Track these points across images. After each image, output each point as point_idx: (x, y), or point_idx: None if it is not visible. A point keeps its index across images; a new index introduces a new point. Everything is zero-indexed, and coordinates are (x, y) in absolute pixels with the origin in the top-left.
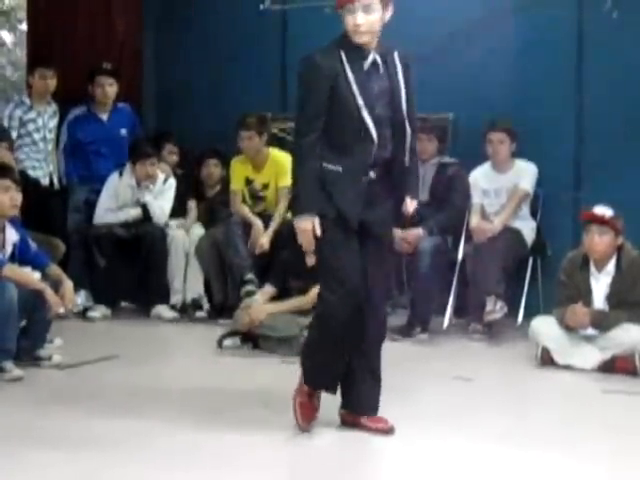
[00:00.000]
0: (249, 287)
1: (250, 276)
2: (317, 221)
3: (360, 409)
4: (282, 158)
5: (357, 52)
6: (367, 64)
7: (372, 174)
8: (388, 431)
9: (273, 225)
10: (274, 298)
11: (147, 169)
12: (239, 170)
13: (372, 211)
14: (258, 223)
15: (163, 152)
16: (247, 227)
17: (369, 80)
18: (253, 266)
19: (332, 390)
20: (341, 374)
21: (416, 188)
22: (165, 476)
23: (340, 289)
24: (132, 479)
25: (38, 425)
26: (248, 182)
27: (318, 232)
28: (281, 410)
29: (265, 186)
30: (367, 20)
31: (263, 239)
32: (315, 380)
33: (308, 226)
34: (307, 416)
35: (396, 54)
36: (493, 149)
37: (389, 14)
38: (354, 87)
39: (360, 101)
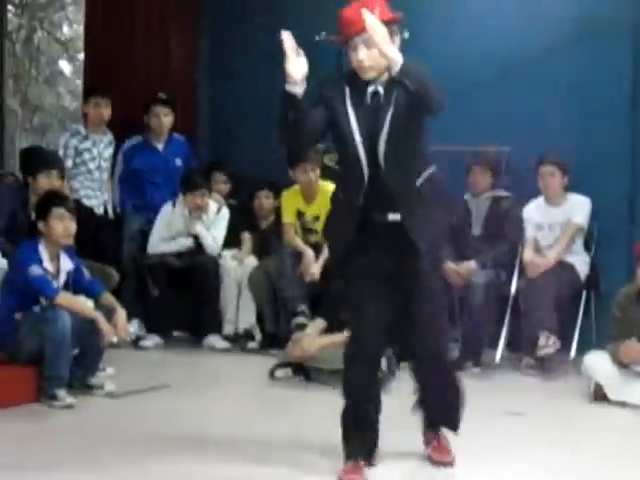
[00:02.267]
0: (301, 319)
1: (302, 308)
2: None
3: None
4: (332, 189)
5: (362, 87)
6: (368, 96)
7: (392, 217)
8: (448, 463)
9: (323, 255)
10: (325, 331)
11: (197, 200)
12: (290, 202)
13: (390, 259)
14: (309, 252)
15: (214, 182)
16: (299, 259)
17: (366, 114)
18: (305, 298)
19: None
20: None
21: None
22: None
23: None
24: None
25: (87, 455)
26: (299, 215)
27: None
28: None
29: (316, 218)
30: (369, 55)
31: (314, 268)
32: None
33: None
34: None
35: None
36: (544, 183)
37: (395, 45)
38: (352, 121)
39: (357, 137)
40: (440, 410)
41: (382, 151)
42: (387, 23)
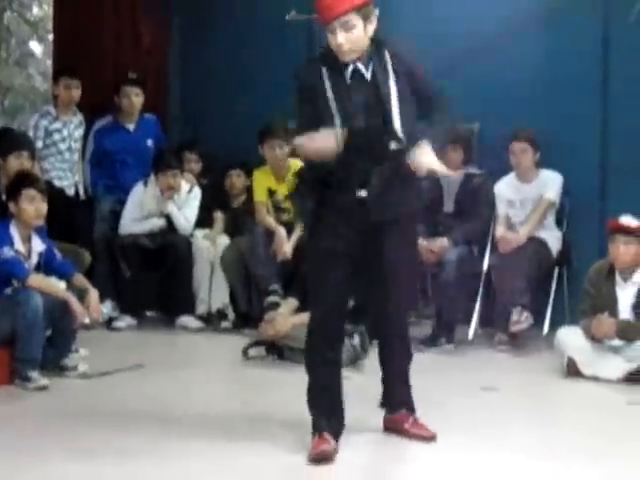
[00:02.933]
0: (273, 298)
1: (274, 287)
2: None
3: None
4: None
5: (340, 66)
6: (348, 76)
7: (362, 193)
8: (429, 438)
9: (295, 234)
10: (298, 310)
11: (169, 180)
12: (262, 181)
13: (357, 237)
14: (281, 231)
15: (186, 162)
16: (271, 238)
17: (352, 92)
18: (277, 277)
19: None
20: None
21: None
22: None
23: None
24: None
25: (62, 436)
26: (271, 193)
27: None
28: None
29: (287, 197)
30: (348, 38)
31: (286, 247)
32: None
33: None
34: (322, 444)
35: (386, 52)
36: (516, 159)
37: (372, 27)
38: (332, 104)
39: (337, 119)
40: (407, 389)
41: (397, 121)
42: (361, 7)
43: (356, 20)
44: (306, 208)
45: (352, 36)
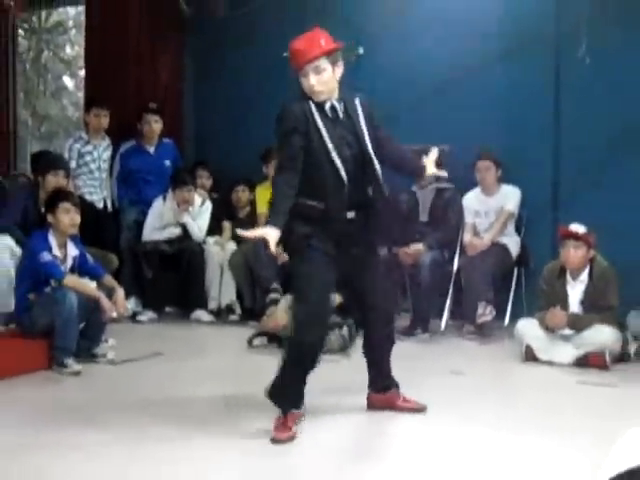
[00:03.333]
0: (274, 295)
1: (275, 285)
2: (275, 235)
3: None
4: None
5: (319, 104)
6: (328, 111)
7: (350, 214)
8: (421, 409)
9: None
10: None
11: (184, 195)
12: (264, 195)
13: (349, 250)
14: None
15: (198, 178)
16: None
17: (333, 126)
18: (277, 277)
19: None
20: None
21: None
22: (200, 454)
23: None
24: (169, 454)
25: (92, 414)
26: None
27: (272, 246)
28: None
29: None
30: (319, 80)
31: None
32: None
33: (269, 234)
34: (286, 430)
35: (357, 100)
36: (481, 176)
37: (340, 70)
38: (323, 132)
39: (329, 145)
40: (390, 370)
41: (370, 154)
42: (330, 53)
43: (325, 64)
44: (299, 234)
45: (322, 78)
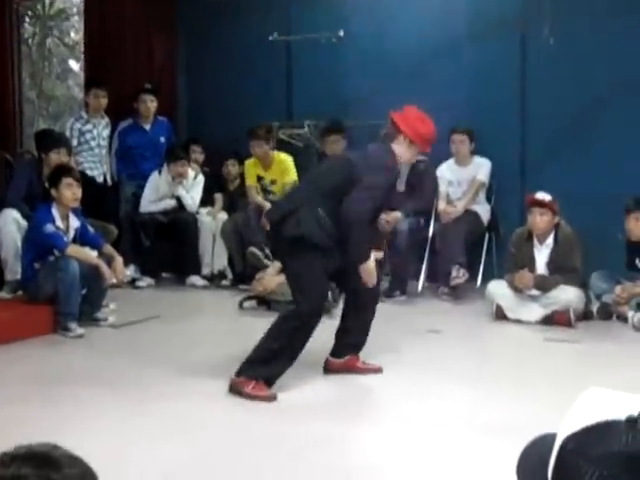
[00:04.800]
0: (264, 261)
1: (266, 251)
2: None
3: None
4: (285, 159)
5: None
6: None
7: None
8: (378, 370)
9: None
10: (282, 270)
11: (179, 169)
12: (251, 169)
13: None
14: (268, 207)
15: (192, 153)
16: (261, 213)
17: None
18: (266, 244)
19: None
20: None
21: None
22: (194, 412)
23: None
24: (167, 413)
25: (95, 373)
26: (259, 179)
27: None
28: None
29: (273, 182)
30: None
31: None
32: (272, 380)
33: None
34: (265, 389)
35: None
36: (456, 148)
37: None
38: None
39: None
40: (364, 337)
41: None
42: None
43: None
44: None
45: None
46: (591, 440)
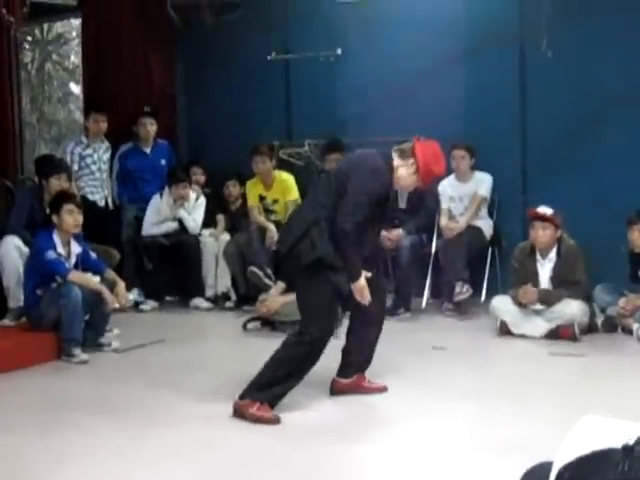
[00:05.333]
0: (265, 281)
1: (268, 272)
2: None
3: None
4: (287, 178)
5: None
6: None
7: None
8: (383, 389)
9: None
10: (285, 291)
11: (180, 191)
12: (253, 190)
13: None
14: (272, 227)
15: (193, 175)
16: (264, 233)
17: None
18: (269, 264)
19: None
20: None
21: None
22: (198, 435)
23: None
24: (171, 437)
25: (99, 399)
26: (261, 199)
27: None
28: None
29: (275, 201)
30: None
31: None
32: (276, 401)
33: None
34: (269, 411)
35: None
36: (456, 163)
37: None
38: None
39: None
40: (371, 355)
41: None
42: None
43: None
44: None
45: None
46: (587, 469)
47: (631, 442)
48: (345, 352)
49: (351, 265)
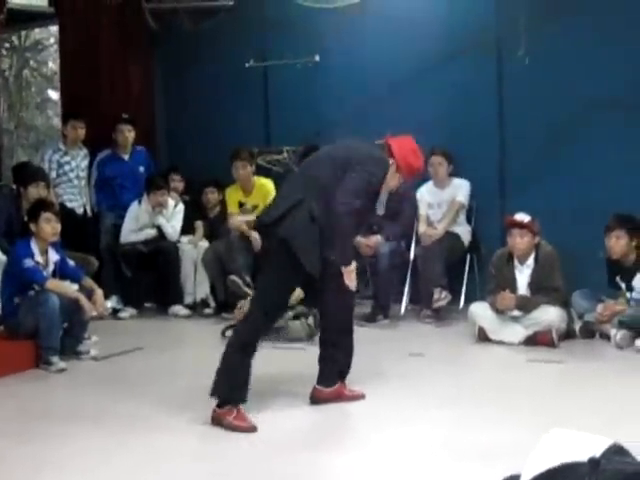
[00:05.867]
0: (245, 289)
1: (246, 279)
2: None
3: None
4: (266, 183)
5: None
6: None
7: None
8: (361, 397)
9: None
10: None
11: (158, 198)
12: (233, 196)
13: None
14: (254, 235)
15: (171, 182)
16: (244, 240)
17: None
18: (248, 270)
19: (243, 400)
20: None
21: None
22: (176, 444)
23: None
24: (149, 446)
25: (78, 405)
26: (241, 205)
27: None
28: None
29: (255, 207)
30: None
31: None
32: (236, 397)
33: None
34: (246, 420)
35: None
36: (434, 170)
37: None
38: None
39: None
40: (350, 361)
41: None
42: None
43: None
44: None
45: None
46: None
47: (597, 455)
48: (324, 360)
49: (345, 246)
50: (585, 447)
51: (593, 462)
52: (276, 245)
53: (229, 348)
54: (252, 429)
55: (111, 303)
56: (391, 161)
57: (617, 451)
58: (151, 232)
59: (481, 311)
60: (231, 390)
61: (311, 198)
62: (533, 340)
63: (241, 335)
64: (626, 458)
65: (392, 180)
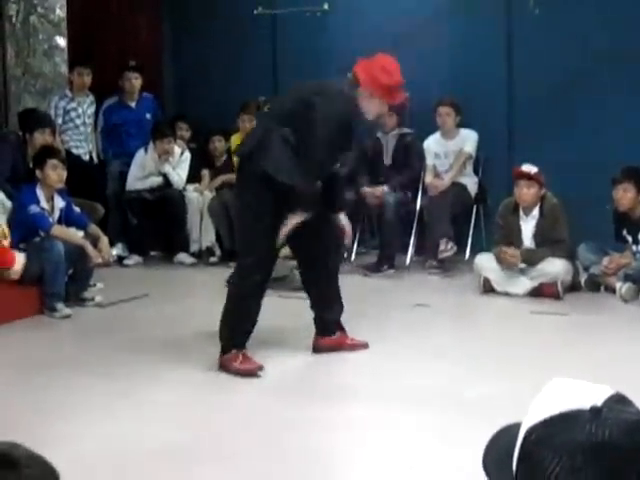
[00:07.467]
0: None
1: None
2: None
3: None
4: None
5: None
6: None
7: None
8: (365, 346)
9: None
10: None
11: (165, 146)
12: (239, 143)
13: None
14: None
15: (178, 130)
16: None
17: None
18: None
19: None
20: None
21: None
22: (180, 389)
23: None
24: (154, 394)
25: (82, 352)
26: None
27: None
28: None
29: None
30: None
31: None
32: (240, 341)
33: None
34: (251, 361)
35: None
36: (442, 120)
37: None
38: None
39: None
40: (341, 305)
41: None
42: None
43: None
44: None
45: None
46: (555, 430)
47: (599, 404)
48: (313, 309)
49: (308, 195)
50: (587, 396)
51: (595, 410)
52: (251, 176)
53: (228, 296)
54: (259, 368)
55: (116, 250)
56: (361, 89)
57: (619, 400)
58: (157, 180)
59: (486, 262)
60: (232, 335)
61: (280, 125)
62: (538, 292)
63: (236, 285)
64: (628, 407)
65: (371, 106)
